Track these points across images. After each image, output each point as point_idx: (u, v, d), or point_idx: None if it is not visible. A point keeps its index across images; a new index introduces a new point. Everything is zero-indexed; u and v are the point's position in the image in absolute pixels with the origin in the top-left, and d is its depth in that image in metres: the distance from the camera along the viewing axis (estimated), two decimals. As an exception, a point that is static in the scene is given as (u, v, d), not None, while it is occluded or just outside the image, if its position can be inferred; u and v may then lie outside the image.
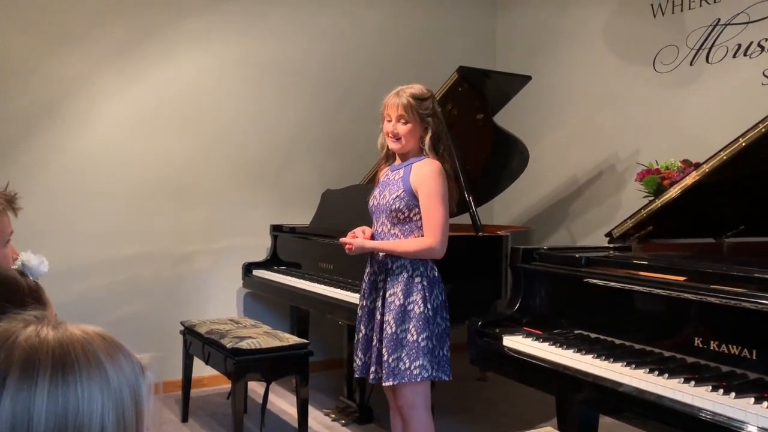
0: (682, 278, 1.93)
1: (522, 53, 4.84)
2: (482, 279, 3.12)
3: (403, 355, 2.30)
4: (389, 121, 2.39)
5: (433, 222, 2.31)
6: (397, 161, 2.47)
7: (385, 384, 2.35)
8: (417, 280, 2.34)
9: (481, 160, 3.81)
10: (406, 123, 2.35)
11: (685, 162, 3.29)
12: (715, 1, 3.62)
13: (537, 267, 2.40)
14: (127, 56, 3.86)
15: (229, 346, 2.99)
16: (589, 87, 4.35)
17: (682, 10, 3.79)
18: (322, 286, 3.42)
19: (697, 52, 3.71)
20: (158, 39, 3.95)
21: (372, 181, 3.17)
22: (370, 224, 2.57)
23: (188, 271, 4.10)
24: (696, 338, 1.82)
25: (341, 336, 3.81)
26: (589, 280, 2.16)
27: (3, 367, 0.64)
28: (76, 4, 3.71)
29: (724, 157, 2.18)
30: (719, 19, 3.60)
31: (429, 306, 2.33)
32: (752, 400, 1.58)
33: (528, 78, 3.74)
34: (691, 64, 3.75)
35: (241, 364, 2.95)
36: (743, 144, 2.12)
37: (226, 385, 3.39)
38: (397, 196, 2.36)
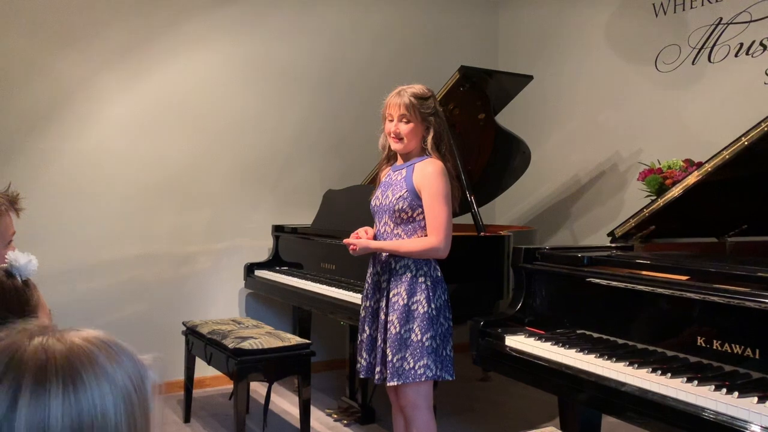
0: (684, 278, 1.93)
1: (524, 53, 4.84)
2: (484, 279, 3.11)
3: (408, 354, 2.30)
4: (391, 120, 2.39)
5: (437, 222, 2.31)
6: (399, 161, 2.47)
7: (390, 384, 2.35)
8: (420, 280, 2.34)
9: (483, 160, 3.81)
10: (408, 122, 2.35)
11: (688, 161, 3.28)
12: (716, 0, 3.62)
13: (539, 267, 2.40)
14: (128, 58, 3.86)
15: (231, 346, 2.99)
16: (591, 86, 4.35)
17: (684, 10, 3.79)
18: (324, 287, 3.42)
19: (699, 52, 3.71)
20: (159, 41, 3.95)
21: (373, 182, 3.17)
22: (372, 224, 2.57)
23: (190, 271, 4.10)
24: (699, 338, 1.81)
25: (343, 336, 3.81)
26: (592, 279, 2.16)
27: (15, 383, 0.65)
28: (77, 6, 3.71)
29: (727, 157, 2.17)
30: (721, 18, 3.60)
31: (432, 306, 2.33)
32: (755, 399, 1.58)
33: (530, 77, 3.74)
34: (693, 64, 3.74)
35: (244, 365, 2.95)
36: (745, 143, 2.12)
37: (229, 386, 3.39)
38: (400, 196, 2.36)
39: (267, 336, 3.12)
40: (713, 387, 1.66)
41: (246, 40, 4.21)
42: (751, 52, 3.47)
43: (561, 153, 4.54)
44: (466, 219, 3.26)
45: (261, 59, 4.25)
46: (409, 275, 2.35)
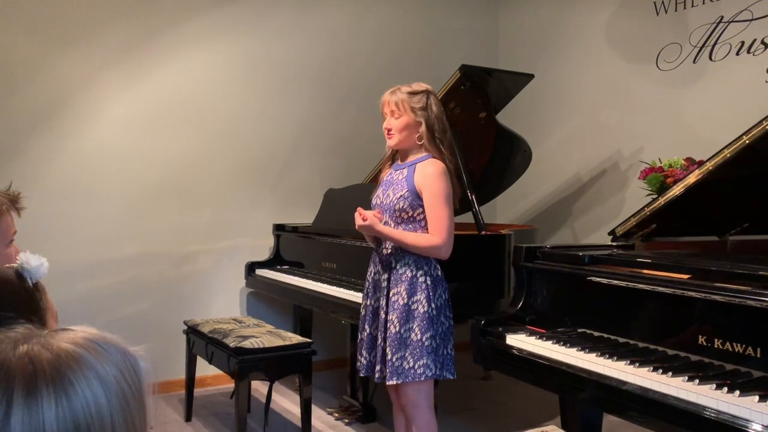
0: (685, 276, 1.93)
1: (525, 51, 4.84)
2: (485, 278, 3.11)
3: (407, 354, 2.30)
4: (386, 117, 2.41)
5: (439, 223, 2.31)
6: (401, 160, 2.47)
7: (389, 383, 2.35)
8: (421, 279, 2.34)
9: (483, 159, 3.81)
10: (398, 117, 2.37)
11: (689, 160, 3.28)
12: (718, -1, 3.62)
13: (540, 265, 2.40)
14: (129, 57, 3.86)
15: (232, 345, 2.99)
16: (592, 85, 4.34)
17: (685, 8, 3.78)
18: (325, 285, 3.42)
19: (700, 50, 3.70)
20: (161, 40, 3.95)
21: (374, 180, 3.17)
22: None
23: (191, 270, 4.11)
24: (700, 336, 1.81)
25: (344, 335, 3.81)
26: (593, 278, 2.16)
27: (6, 395, 0.64)
28: (78, 6, 3.71)
29: (728, 155, 2.17)
30: (722, 17, 3.59)
31: (433, 305, 2.33)
32: (757, 398, 1.58)
33: (531, 76, 3.74)
34: (694, 62, 3.74)
35: (245, 364, 2.95)
36: (747, 141, 2.12)
37: (230, 385, 3.39)
38: (400, 196, 2.36)
39: (268, 335, 3.13)
40: (714, 386, 1.66)
41: (246, 39, 4.20)
42: (752, 50, 3.47)
43: (562, 152, 4.53)
44: (467, 218, 3.26)
45: (261, 59, 4.25)
46: (409, 274, 2.35)
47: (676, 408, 1.68)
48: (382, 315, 2.39)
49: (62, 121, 3.73)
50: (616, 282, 2.08)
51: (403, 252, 2.37)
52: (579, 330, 2.22)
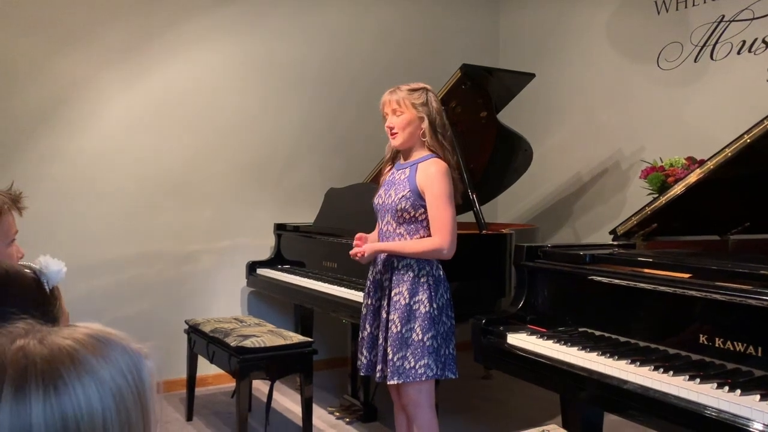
0: (686, 275, 1.92)
1: (525, 51, 4.83)
2: (486, 277, 3.11)
3: (408, 354, 2.30)
4: (387, 117, 2.41)
5: (441, 223, 2.31)
6: (402, 160, 2.47)
7: (390, 383, 2.35)
8: (423, 279, 2.34)
9: (484, 158, 3.80)
10: (400, 115, 2.37)
11: (690, 159, 3.28)
12: (719, -2, 3.61)
13: (541, 265, 2.40)
14: (129, 57, 3.86)
15: (233, 344, 2.99)
16: (593, 84, 4.34)
17: (686, 7, 3.78)
18: (326, 285, 3.43)
19: (701, 49, 3.70)
20: (161, 40, 3.95)
21: (375, 180, 3.17)
22: (374, 222, 2.57)
23: (192, 270, 4.11)
24: (701, 335, 1.81)
25: (345, 334, 3.81)
26: (594, 277, 2.16)
27: None
28: (80, 6, 3.72)
29: (729, 154, 2.17)
30: (723, 16, 3.59)
31: (434, 305, 2.33)
32: (758, 397, 1.58)
33: (531, 75, 3.74)
34: (695, 61, 3.73)
35: (246, 363, 2.96)
36: (748, 140, 2.11)
37: (231, 384, 3.39)
38: (402, 196, 2.36)
39: (269, 334, 3.13)
40: (715, 385, 1.66)
41: (246, 39, 4.21)
42: (753, 49, 3.47)
43: (563, 151, 4.53)
44: (468, 217, 3.26)
45: (261, 59, 4.25)
46: (411, 274, 2.35)
47: (677, 407, 1.68)
48: (384, 314, 2.39)
49: (63, 120, 3.73)
50: (617, 281, 2.08)
51: (404, 251, 2.37)
52: (580, 329, 2.22)
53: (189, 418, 3.52)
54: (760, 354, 1.67)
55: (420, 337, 2.30)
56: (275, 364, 3.03)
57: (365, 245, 2.42)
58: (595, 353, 2.01)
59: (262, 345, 3.00)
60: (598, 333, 2.15)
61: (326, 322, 4.06)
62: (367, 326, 2.48)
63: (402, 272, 2.36)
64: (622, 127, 4.14)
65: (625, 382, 1.85)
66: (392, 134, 2.40)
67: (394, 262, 2.39)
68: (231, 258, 4.19)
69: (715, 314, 1.81)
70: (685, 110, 3.79)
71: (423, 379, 2.30)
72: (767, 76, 3.39)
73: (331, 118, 4.48)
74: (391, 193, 2.42)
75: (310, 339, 3.22)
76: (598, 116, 4.31)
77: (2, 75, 3.56)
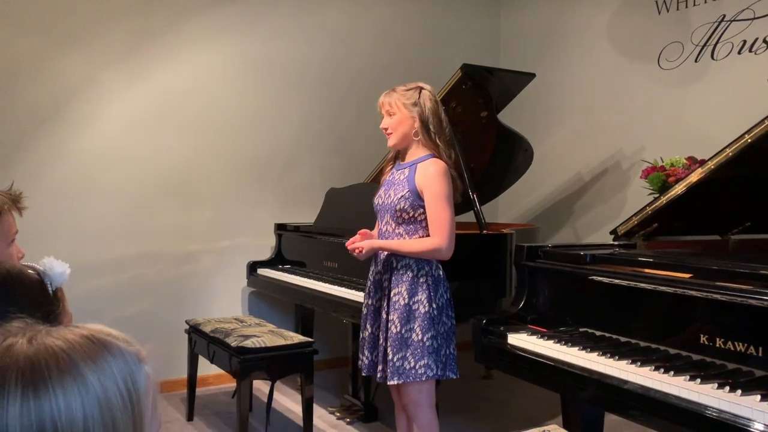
0: (687, 275, 1.92)
1: (526, 51, 4.83)
2: (487, 277, 3.11)
3: (408, 354, 2.30)
4: (383, 118, 2.42)
5: (439, 223, 2.31)
6: (402, 160, 2.47)
7: (390, 383, 2.35)
8: (422, 279, 2.34)
9: (485, 158, 3.80)
10: (392, 115, 2.38)
11: (690, 159, 3.28)
12: (719, -2, 3.61)
13: (541, 265, 2.40)
14: (129, 57, 3.86)
15: (234, 344, 2.99)
16: (594, 84, 4.34)
17: (686, 7, 3.78)
18: (327, 285, 3.43)
19: (702, 49, 3.70)
20: (162, 40, 3.95)
21: (376, 179, 3.17)
22: (374, 222, 2.57)
23: (193, 270, 4.11)
24: (702, 335, 1.81)
25: (346, 334, 3.81)
26: (594, 277, 2.16)
27: None
28: (80, 6, 3.72)
29: (730, 154, 2.17)
30: (724, 15, 3.59)
31: (434, 305, 2.33)
32: (758, 397, 1.57)
33: (532, 75, 3.73)
34: (696, 61, 3.73)
35: (246, 363, 2.96)
36: (749, 140, 2.11)
37: (231, 384, 3.39)
38: (402, 196, 2.36)
39: (270, 334, 3.13)
40: (716, 385, 1.66)
41: (246, 39, 4.20)
42: (754, 49, 3.46)
43: (563, 151, 4.53)
44: (469, 217, 3.26)
45: (261, 59, 4.25)
46: (410, 274, 2.35)
47: (678, 407, 1.68)
48: (384, 315, 2.39)
49: (63, 120, 3.73)
50: (617, 281, 2.08)
51: (404, 251, 2.37)
52: (580, 329, 2.21)
53: (190, 418, 3.52)
54: (760, 354, 1.66)
55: (420, 337, 2.30)
56: (276, 364, 3.03)
57: (364, 241, 2.42)
58: (596, 353, 2.01)
59: (263, 345, 3.00)
60: (598, 333, 2.15)
61: (327, 322, 4.06)
62: (368, 326, 2.48)
63: (401, 272, 2.36)
64: (622, 127, 4.14)
65: (626, 382, 1.85)
66: (387, 134, 2.42)
67: (393, 262, 2.39)
68: (231, 258, 4.19)
69: (716, 314, 1.80)
70: (685, 110, 3.79)
71: (423, 379, 2.30)
72: (768, 76, 3.39)
73: (331, 118, 4.48)
74: (390, 193, 2.42)
75: (310, 339, 3.22)
76: (598, 116, 4.30)
77: (2, 75, 3.56)
